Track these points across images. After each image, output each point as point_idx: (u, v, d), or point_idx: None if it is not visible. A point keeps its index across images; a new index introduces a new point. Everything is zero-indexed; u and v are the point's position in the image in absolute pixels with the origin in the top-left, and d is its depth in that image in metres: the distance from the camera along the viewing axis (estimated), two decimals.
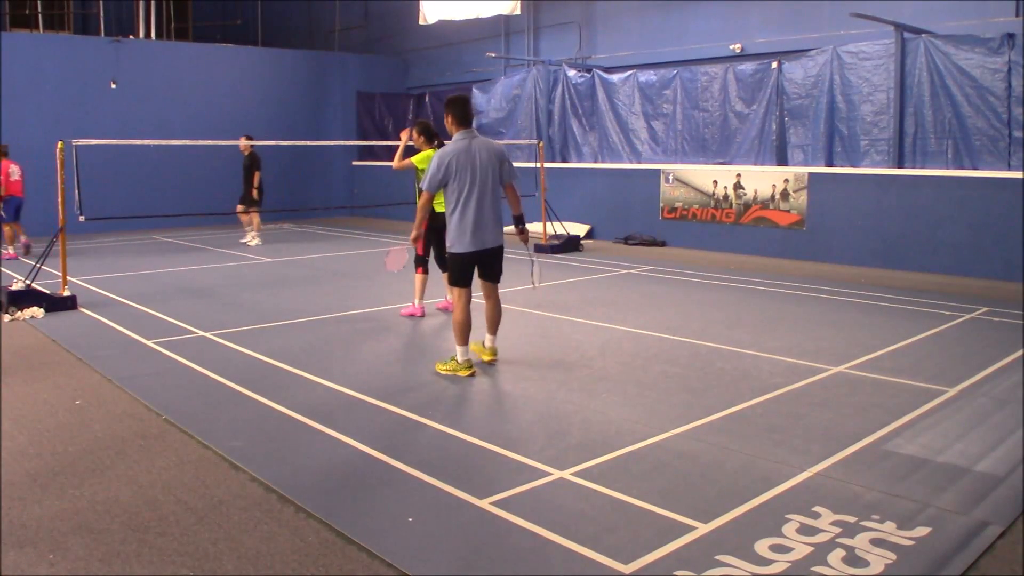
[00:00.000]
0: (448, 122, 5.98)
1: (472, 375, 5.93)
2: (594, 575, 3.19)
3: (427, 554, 3.36)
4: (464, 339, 5.94)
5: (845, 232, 11.77)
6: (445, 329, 7.52)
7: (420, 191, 7.01)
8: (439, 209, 7.77)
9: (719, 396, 5.44)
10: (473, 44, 18.59)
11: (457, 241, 5.90)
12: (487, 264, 6.03)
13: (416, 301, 8.04)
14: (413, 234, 6.37)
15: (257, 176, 13.99)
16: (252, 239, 14.42)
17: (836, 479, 4.08)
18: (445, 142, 6.38)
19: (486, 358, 6.28)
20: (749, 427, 4.85)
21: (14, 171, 12.54)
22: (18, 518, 3.69)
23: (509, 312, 8.21)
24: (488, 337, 6.30)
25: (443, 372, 6.01)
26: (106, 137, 14.14)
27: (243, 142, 13.95)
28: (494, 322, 6.26)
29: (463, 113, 5.95)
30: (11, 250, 12.65)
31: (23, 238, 12.75)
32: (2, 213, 12.39)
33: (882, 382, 5.78)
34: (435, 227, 7.90)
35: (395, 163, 8.09)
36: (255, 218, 14.41)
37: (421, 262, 7.97)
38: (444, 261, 7.91)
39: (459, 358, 5.97)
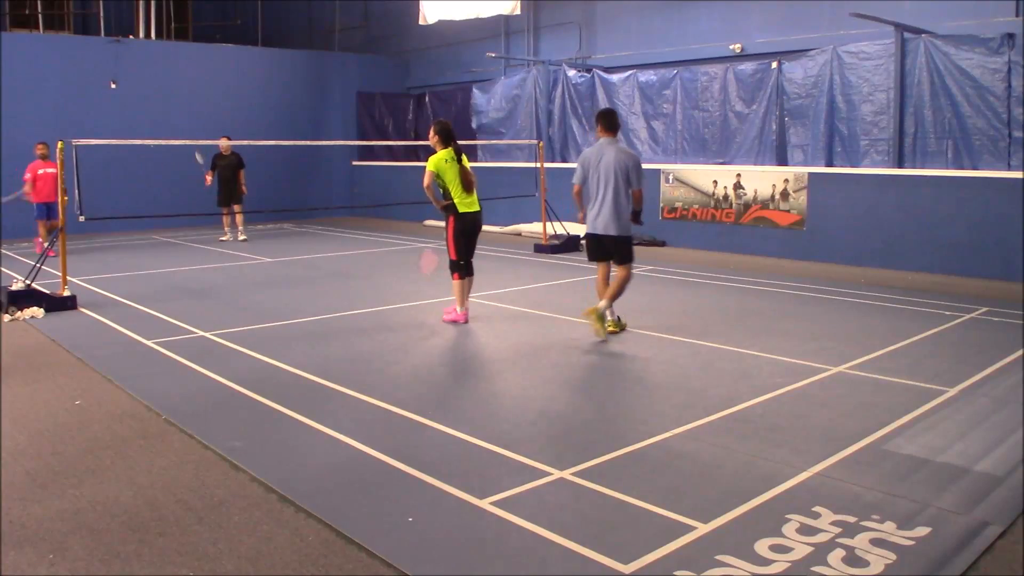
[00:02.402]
0: (599, 130, 7.22)
1: (595, 317, 6.95)
2: (594, 575, 3.19)
3: (427, 554, 3.36)
4: (600, 295, 7.21)
5: (845, 232, 11.77)
6: (445, 330, 7.52)
7: (444, 192, 7.48)
8: (470, 208, 7.60)
9: (719, 396, 5.44)
10: (473, 44, 18.58)
11: (587, 225, 7.26)
12: (609, 247, 7.19)
13: (459, 307, 7.69)
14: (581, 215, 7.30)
15: (242, 174, 14.51)
16: (242, 235, 14.78)
17: (836, 479, 4.08)
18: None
19: (611, 329, 7.15)
20: (749, 427, 4.85)
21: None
22: (18, 518, 3.69)
23: (507, 312, 8.23)
24: (602, 303, 7.11)
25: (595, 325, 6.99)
26: (106, 137, 14.14)
27: (225, 142, 14.22)
28: (611, 293, 7.16)
29: (609, 123, 7.18)
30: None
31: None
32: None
33: (882, 382, 5.78)
34: (464, 230, 7.62)
35: (427, 184, 7.57)
36: (239, 216, 14.86)
37: (456, 267, 7.63)
38: (466, 265, 7.78)
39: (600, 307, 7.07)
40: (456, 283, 7.68)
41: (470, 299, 7.94)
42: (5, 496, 3.91)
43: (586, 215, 7.23)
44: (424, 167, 7.57)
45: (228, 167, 14.36)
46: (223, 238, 14.69)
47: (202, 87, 17.72)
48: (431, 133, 7.66)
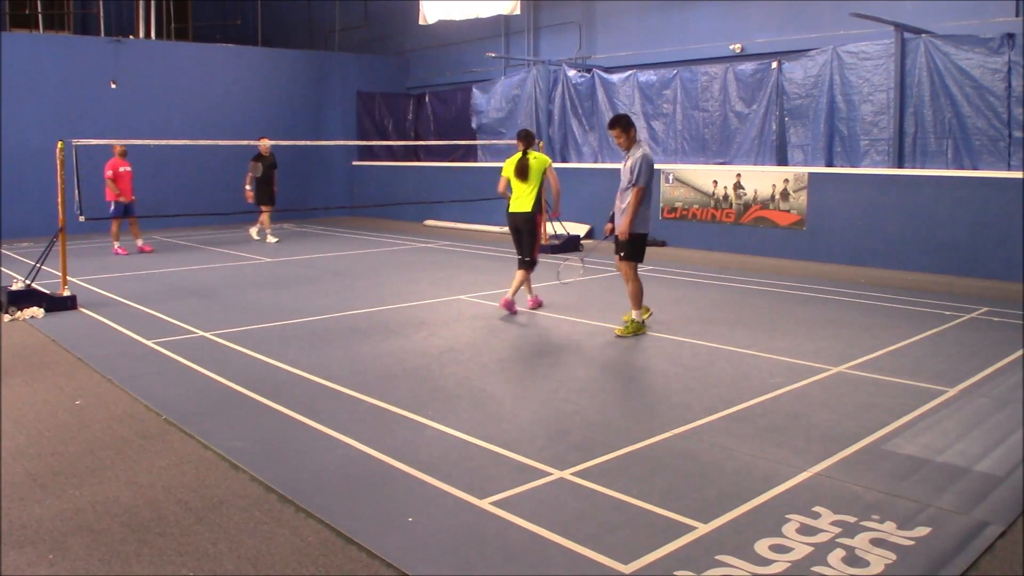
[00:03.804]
0: (633, 135, 7.23)
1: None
2: (594, 575, 3.19)
3: (427, 554, 3.36)
4: (641, 303, 7.33)
5: (845, 232, 11.77)
6: (444, 330, 7.52)
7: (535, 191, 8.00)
8: (512, 208, 8.12)
9: (719, 396, 5.44)
10: (473, 44, 18.59)
11: (645, 225, 7.32)
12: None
13: (509, 295, 8.18)
14: (625, 229, 7.19)
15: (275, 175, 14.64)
16: (270, 236, 14.73)
17: (836, 479, 4.08)
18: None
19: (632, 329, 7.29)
20: (749, 427, 4.85)
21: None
22: (18, 518, 3.69)
23: (507, 312, 8.23)
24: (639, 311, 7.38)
25: (626, 334, 7.18)
26: (106, 137, 14.14)
27: (266, 143, 14.29)
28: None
29: (635, 127, 7.39)
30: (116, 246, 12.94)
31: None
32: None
33: (882, 382, 5.78)
34: (516, 224, 8.19)
35: (500, 189, 8.31)
36: (265, 216, 14.89)
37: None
38: (532, 261, 8.25)
39: (638, 318, 7.30)
40: (519, 273, 8.29)
41: (474, 300, 7.96)
42: (5, 496, 3.91)
43: (640, 216, 7.21)
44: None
45: (266, 167, 14.42)
46: (255, 237, 14.67)
47: (202, 87, 17.72)
48: (520, 141, 8.26)
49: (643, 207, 7.19)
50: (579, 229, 14.60)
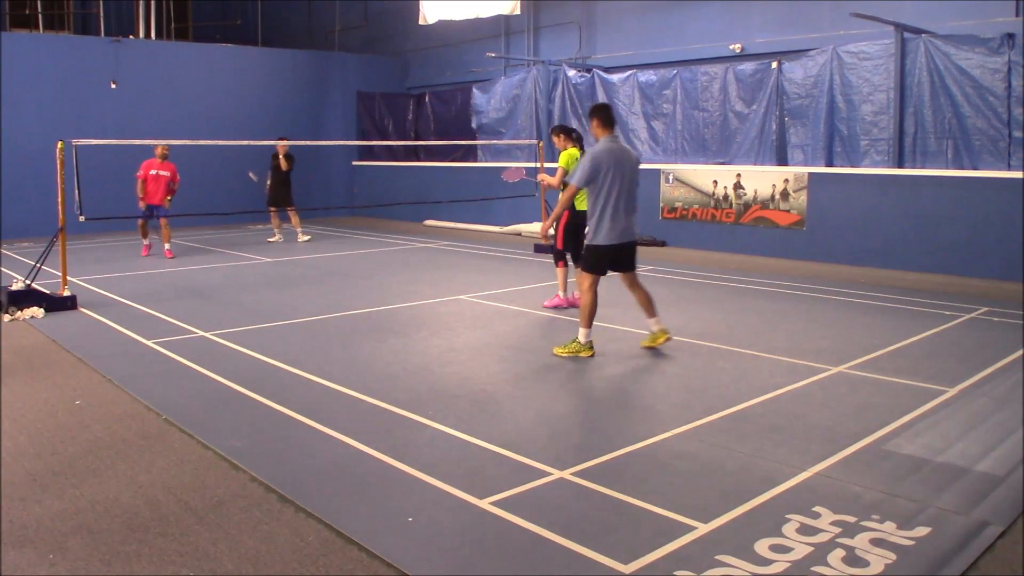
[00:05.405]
0: (595, 126, 6.65)
1: (592, 356, 6.43)
2: (594, 575, 3.19)
3: (427, 554, 3.36)
4: (589, 322, 6.44)
5: (845, 232, 11.77)
6: (445, 330, 7.52)
7: (565, 185, 7.16)
8: (580, 207, 7.86)
9: (719, 396, 5.44)
10: (473, 44, 18.58)
11: (600, 235, 6.41)
12: (625, 257, 6.56)
13: (561, 293, 8.39)
14: (548, 224, 6.97)
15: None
16: (304, 235, 14.69)
17: (836, 479, 4.08)
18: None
19: (661, 340, 6.62)
20: (749, 427, 4.85)
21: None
22: (18, 518, 3.69)
23: (507, 312, 8.24)
24: (652, 320, 6.64)
25: (563, 355, 6.47)
26: (106, 137, 14.13)
27: (285, 143, 14.21)
28: (649, 305, 6.65)
29: (609, 118, 6.68)
30: (146, 242, 12.87)
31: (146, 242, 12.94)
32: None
33: (882, 382, 5.78)
34: (578, 223, 8.08)
35: (556, 183, 7.98)
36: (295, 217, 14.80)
37: (560, 256, 8.27)
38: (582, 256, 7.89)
39: (582, 340, 6.46)
40: (559, 271, 8.39)
41: (474, 298, 7.96)
42: (5, 496, 3.91)
43: (592, 225, 6.43)
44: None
45: (284, 170, 14.35)
46: (272, 239, 14.50)
47: (202, 87, 17.71)
48: (562, 137, 8.28)
49: (605, 217, 6.35)
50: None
